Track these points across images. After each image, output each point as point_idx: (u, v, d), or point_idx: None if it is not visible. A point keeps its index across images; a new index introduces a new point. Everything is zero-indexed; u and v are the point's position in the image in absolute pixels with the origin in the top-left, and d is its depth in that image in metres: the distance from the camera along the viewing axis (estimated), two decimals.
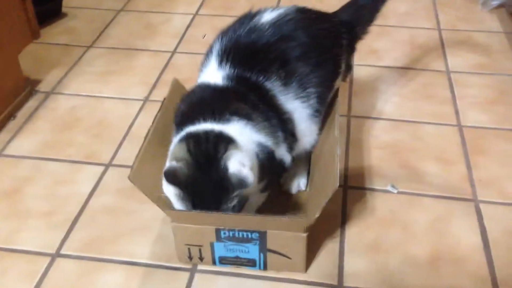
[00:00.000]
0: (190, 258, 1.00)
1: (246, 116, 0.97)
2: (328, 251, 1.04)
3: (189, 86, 1.11)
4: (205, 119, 0.96)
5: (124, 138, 1.33)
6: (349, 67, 1.21)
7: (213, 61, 1.05)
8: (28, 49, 1.49)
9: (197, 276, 1.00)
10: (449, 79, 1.53)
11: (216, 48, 1.06)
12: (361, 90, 1.49)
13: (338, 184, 0.88)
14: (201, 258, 1.00)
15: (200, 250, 0.98)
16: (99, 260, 1.03)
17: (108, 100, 1.47)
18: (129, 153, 1.23)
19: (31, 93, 1.49)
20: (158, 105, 1.10)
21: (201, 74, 1.09)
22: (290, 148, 1.05)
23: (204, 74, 1.07)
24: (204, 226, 0.94)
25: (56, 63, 1.62)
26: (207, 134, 0.93)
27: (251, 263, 0.99)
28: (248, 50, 1.04)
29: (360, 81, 1.53)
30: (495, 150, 1.27)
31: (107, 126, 1.38)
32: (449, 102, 1.44)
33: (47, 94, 1.50)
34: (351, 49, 1.21)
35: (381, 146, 1.29)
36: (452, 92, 1.48)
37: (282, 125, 1.02)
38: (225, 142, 0.92)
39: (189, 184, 0.89)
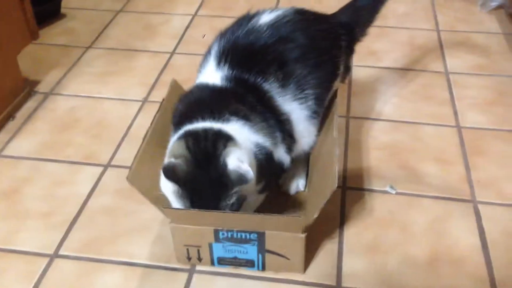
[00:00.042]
0: (189, 258, 1.00)
1: (244, 117, 0.97)
2: (326, 252, 1.04)
3: (188, 87, 1.11)
4: (203, 118, 0.96)
5: (123, 139, 1.33)
6: (348, 69, 1.21)
7: (212, 62, 1.05)
8: (27, 50, 1.50)
9: (195, 276, 1.00)
10: (448, 80, 1.53)
11: (215, 49, 1.06)
12: (360, 91, 1.49)
13: (336, 185, 0.88)
14: (199, 259, 1.00)
15: (198, 251, 0.98)
16: (97, 261, 1.03)
17: (107, 101, 1.47)
18: (128, 154, 1.23)
19: (30, 93, 1.49)
20: (157, 106, 1.10)
21: (200, 75, 1.09)
22: (289, 149, 1.05)
23: (202, 75, 1.07)
24: (202, 227, 0.94)
25: (55, 64, 1.62)
26: (206, 132, 0.93)
27: (249, 263, 0.99)
28: (246, 51, 1.04)
29: (359, 82, 1.53)
30: (494, 151, 1.27)
31: (106, 126, 1.38)
32: (448, 103, 1.44)
33: (46, 95, 1.50)
34: (349, 51, 1.21)
35: (380, 147, 1.29)
36: (451, 93, 1.48)
37: (280, 126, 1.02)
38: (224, 139, 0.92)
39: (188, 181, 0.88)
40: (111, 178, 1.22)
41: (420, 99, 1.46)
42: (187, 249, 0.98)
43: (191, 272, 1.00)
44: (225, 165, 0.88)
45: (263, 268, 0.99)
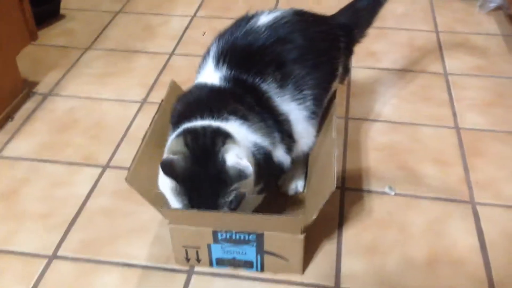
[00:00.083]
0: (187, 259, 1.00)
1: (242, 117, 0.97)
2: (325, 253, 1.04)
3: (186, 88, 1.11)
4: (202, 117, 0.96)
5: (121, 139, 1.33)
6: (347, 70, 1.21)
7: (210, 63, 1.05)
8: (26, 51, 1.50)
9: (194, 277, 1.00)
10: (447, 81, 1.53)
11: (213, 50, 1.07)
12: (359, 92, 1.49)
13: (335, 186, 0.88)
14: (198, 260, 1.00)
15: (197, 252, 0.98)
16: (96, 262, 1.03)
17: (106, 101, 1.47)
18: (126, 155, 1.23)
19: (28, 94, 1.49)
20: (156, 107, 1.10)
21: (198, 75, 1.09)
22: (289, 150, 1.05)
23: (201, 75, 1.08)
24: (201, 228, 0.94)
25: (54, 65, 1.62)
26: (205, 129, 0.93)
27: (248, 264, 0.99)
28: (244, 52, 1.04)
29: (358, 83, 1.53)
30: (492, 152, 1.27)
31: (105, 127, 1.37)
32: (446, 104, 1.44)
33: (45, 96, 1.50)
34: (348, 52, 1.21)
35: (378, 148, 1.29)
36: (450, 94, 1.48)
37: (279, 127, 1.02)
38: (223, 136, 0.92)
39: (186, 177, 0.88)
40: (110, 179, 1.21)
41: (419, 100, 1.46)
42: (186, 250, 0.98)
43: (189, 273, 1.00)
44: (223, 161, 0.88)
45: (262, 269, 0.99)
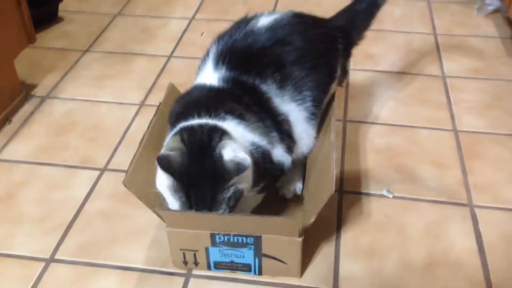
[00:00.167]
0: (185, 263, 1.00)
1: (239, 116, 0.97)
2: (323, 256, 1.03)
3: (184, 90, 1.11)
4: (199, 115, 0.96)
5: (119, 142, 1.33)
6: (345, 72, 1.22)
7: (210, 64, 1.06)
8: (24, 54, 1.49)
9: (192, 281, 0.99)
10: (445, 84, 1.53)
11: (213, 51, 1.07)
12: (357, 95, 1.49)
13: (334, 189, 0.88)
14: (196, 263, 0.99)
15: (195, 255, 0.98)
16: (93, 265, 1.02)
17: (104, 104, 1.47)
18: (124, 158, 1.23)
19: (26, 97, 1.49)
20: (154, 109, 1.10)
21: (197, 77, 1.10)
22: (289, 149, 1.05)
23: (200, 77, 1.08)
24: (199, 231, 0.94)
25: (52, 68, 1.62)
26: (202, 127, 0.93)
27: (246, 268, 0.99)
28: (244, 53, 1.04)
29: (356, 86, 1.53)
30: (491, 155, 1.28)
31: (103, 130, 1.37)
32: (444, 107, 1.44)
33: (43, 99, 1.50)
34: (346, 54, 1.21)
35: (376, 150, 1.29)
36: (448, 96, 1.48)
37: (278, 127, 1.02)
38: (220, 133, 0.92)
39: (183, 173, 0.88)
40: (108, 182, 1.21)
41: (417, 102, 1.46)
42: (184, 253, 0.98)
43: (187, 276, 1.00)
44: (221, 157, 0.88)
45: (260, 272, 0.99)
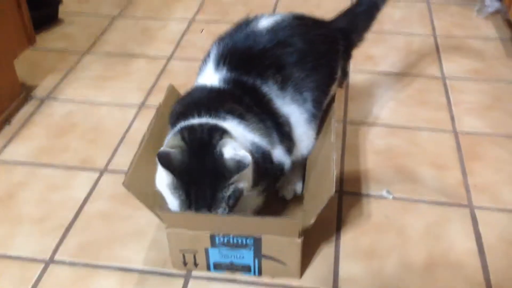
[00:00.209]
0: (185, 264, 1.00)
1: (240, 116, 0.98)
2: (323, 257, 1.03)
3: (184, 92, 1.11)
4: (200, 115, 0.96)
5: (119, 143, 1.33)
6: (345, 74, 1.22)
7: (210, 65, 1.06)
8: (24, 55, 1.50)
9: (191, 282, 0.99)
10: (445, 85, 1.53)
11: (214, 52, 1.07)
12: (357, 96, 1.49)
13: (334, 190, 0.88)
14: (195, 264, 0.99)
15: (194, 256, 0.98)
16: (93, 266, 1.02)
17: (104, 105, 1.47)
18: (124, 159, 1.23)
19: (26, 98, 1.49)
20: (154, 111, 1.10)
21: (198, 78, 1.10)
22: (288, 151, 1.05)
23: (201, 77, 1.08)
24: (198, 231, 0.94)
25: (52, 69, 1.62)
26: (202, 126, 0.94)
27: (245, 269, 0.99)
28: (244, 55, 1.04)
29: (356, 87, 1.53)
30: (490, 156, 1.28)
31: (103, 131, 1.37)
32: (444, 108, 1.44)
33: (43, 100, 1.50)
34: (347, 56, 1.22)
35: (376, 151, 1.29)
36: (448, 98, 1.48)
37: (278, 128, 1.02)
38: (220, 131, 0.92)
39: (183, 170, 0.88)
40: (108, 183, 1.21)
41: (417, 103, 1.46)
42: (183, 254, 0.98)
43: (187, 277, 1.00)
44: (221, 155, 0.88)
45: (260, 273, 0.99)
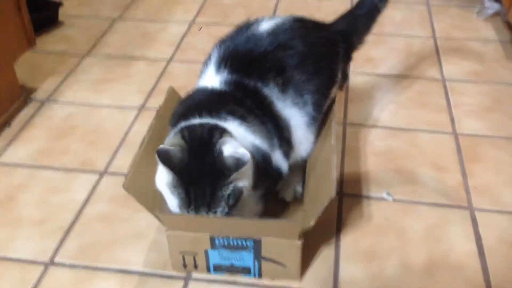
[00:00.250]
0: (185, 266, 1.00)
1: (241, 117, 0.98)
2: (323, 259, 1.03)
3: (184, 94, 1.11)
4: (200, 116, 0.97)
5: (119, 146, 1.33)
6: (345, 76, 1.22)
7: (211, 67, 1.06)
8: (24, 57, 1.50)
9: (191, 284, 0.99)
10: (445, 87, 1.53)
11: (215, 55, 1.08)
12: (357, 98, 1.49)
13: (334, 192, 0.88)
14: (195, 266, 0.99)
15: (194, 258, 0.98)
16: (93, 269, 1.02)
17: (104, 108, 1.47)
18: (124, 161, 1.23)
19: (26, 101, 1.49)
20: (154, 113, 1.10)
21: (200, 80, 1.10)
22: (286, 155, 1.05)
23: (202, 80, 1.08)
24: (198, 233, 0.93)
25: (52, 71, 1.62)
26: (202, 125, 0.94)
27: (245, 271, 0.98)
28: (245, 57, 1.05)
29: (356, 89, 1.53)
30: (490, 158, 1.27)
31: (103, 134, 1.37)
32: (444, 110, 1.44)
33: (43, 102, 1.50)
34: (347, 58, 1.22)
35: (377, 153, 1.29)
36: (448, 100, 1.48)
37: (278, 131, 1.02)
38: (220, 130, 0.92)
39: (183, 168, 0.88)
40: (107, 185, 1.21)
41: (417, 105, 1.46)
42: (183, 256, 0.98)
43: (187, 279, 1.00)
44: (221, 153, 0.88)
45: (260, 275, 0.99)
